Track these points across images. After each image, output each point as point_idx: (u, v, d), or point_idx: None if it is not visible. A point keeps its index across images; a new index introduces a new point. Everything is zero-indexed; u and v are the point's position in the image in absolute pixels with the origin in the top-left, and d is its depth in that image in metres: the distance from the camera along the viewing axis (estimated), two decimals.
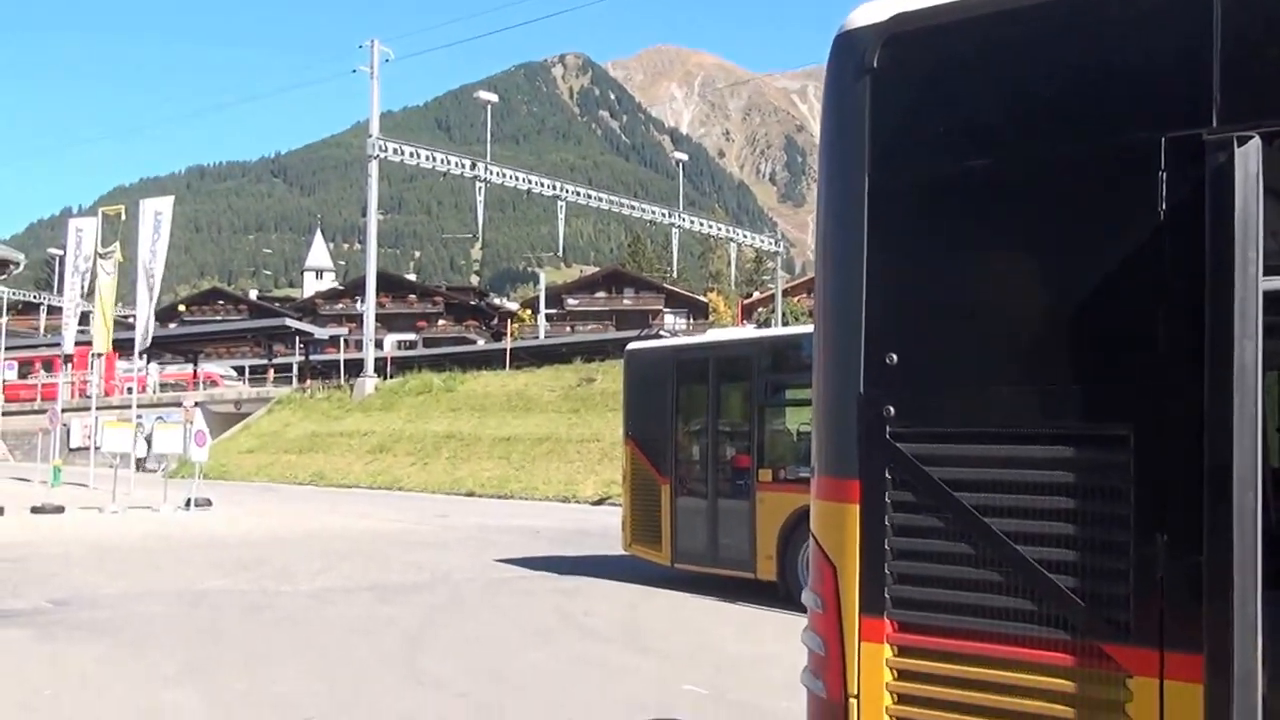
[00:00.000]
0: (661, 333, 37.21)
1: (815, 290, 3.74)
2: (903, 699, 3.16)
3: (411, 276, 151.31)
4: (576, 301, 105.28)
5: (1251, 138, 2.68)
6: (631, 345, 16.72)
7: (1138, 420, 2.85)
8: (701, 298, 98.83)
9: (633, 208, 63.14)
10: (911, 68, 3.30)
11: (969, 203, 3.20)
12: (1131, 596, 2.83)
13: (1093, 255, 2.98)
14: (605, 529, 19.03)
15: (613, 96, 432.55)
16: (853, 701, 3.23)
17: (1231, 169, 2.68)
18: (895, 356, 3.22)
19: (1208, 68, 2.77)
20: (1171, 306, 2.80)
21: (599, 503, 28.89)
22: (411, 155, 51.76)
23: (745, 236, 69.11)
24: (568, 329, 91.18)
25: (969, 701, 3.03)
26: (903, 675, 3.17)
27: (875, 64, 3.30)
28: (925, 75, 3.31)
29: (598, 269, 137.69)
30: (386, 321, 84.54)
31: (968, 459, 3.09)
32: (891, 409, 3.20)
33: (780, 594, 12.82)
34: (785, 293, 65.13)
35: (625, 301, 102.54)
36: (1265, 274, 2.71)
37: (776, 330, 26.74)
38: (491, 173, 53.49)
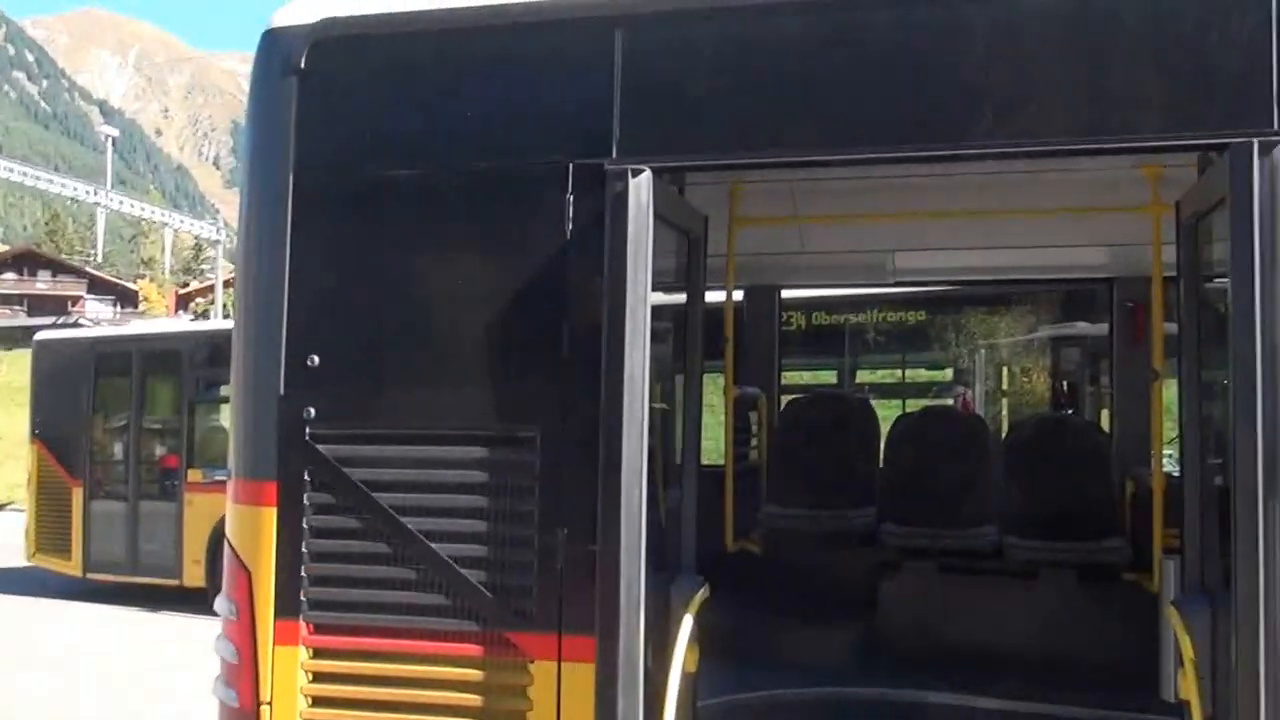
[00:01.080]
0: (82, 321, 34.06)
1: (236, 288, 3.64)
2: (317, 701, 3.17)
3: None
4: None
5: (644, 170, 3.00)
6: (41, 335, 15.33)
7: (544, 422, 3.07)
8: (132, 285, 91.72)
9: (50, 181, 56.99)
10: (338, 73, 3.32)
11: (392, 210, 3.28)
12: (535, 587, 3.06)
13: (508, 268, 3.19)
14: (5, 540, 17.03)
15: (31, 58, 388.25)
16: (265, 708, 3.18)
17: (626, 196, 2.98)
18: (317, 359, 3.22)
19: (609, 105, 3.08)
20: (575, 318, 3.07)
21: None
22: None
23: (183, 221, 64.78)
24: None
25: (383, 699, 3.11)
26: (318, 678, 3.18)
27: (303, 65, 3.28)
28: (351, 82, 3.34)
29: (8, 248, 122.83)
30: None
31: (387, 460, 3.17)
32: (312, 410, 3.20)
33: (210, 600, 12.24)
34: (227, 283, 61.87)
35: (40, 285, 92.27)
36: (654, 289, 3.04)
37: (212, 324, 25.49)
38: None
